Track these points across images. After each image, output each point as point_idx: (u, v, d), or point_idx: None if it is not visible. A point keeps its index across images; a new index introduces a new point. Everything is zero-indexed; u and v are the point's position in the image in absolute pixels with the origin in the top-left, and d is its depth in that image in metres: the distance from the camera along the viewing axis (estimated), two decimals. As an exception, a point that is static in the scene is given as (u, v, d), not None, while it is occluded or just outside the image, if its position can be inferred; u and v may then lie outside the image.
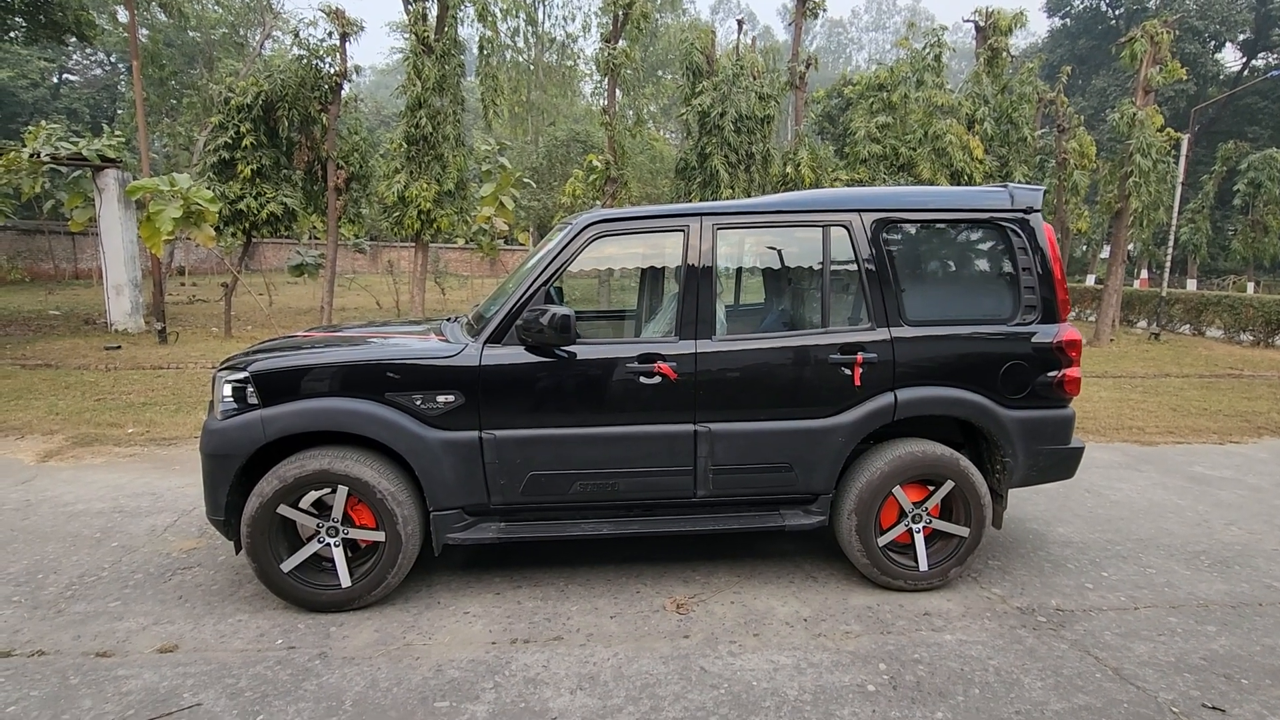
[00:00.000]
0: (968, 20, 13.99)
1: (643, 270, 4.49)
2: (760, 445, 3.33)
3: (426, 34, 11.94)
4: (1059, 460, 3.57)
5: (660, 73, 34.33)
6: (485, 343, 3.22)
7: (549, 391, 3.25)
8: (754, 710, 2.56)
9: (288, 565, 3.13)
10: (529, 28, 32.27)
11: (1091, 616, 3.27)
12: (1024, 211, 3.49)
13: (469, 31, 17.12)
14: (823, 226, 3.42)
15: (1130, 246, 15.52)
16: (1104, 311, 13.67)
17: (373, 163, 13.96)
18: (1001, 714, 2.55)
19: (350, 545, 3.25)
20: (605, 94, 13.74)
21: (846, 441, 3.36)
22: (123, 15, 22.83)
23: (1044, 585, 3.58)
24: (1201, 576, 3.71)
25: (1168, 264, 15.87)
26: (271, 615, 3.17)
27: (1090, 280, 22.88)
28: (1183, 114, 26.53)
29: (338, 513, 3.15)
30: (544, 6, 33.23)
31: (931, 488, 3.45)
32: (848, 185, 12.73)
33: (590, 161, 13.60)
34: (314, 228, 20.30)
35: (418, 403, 3.16)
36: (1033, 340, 3.43)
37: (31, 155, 10.78)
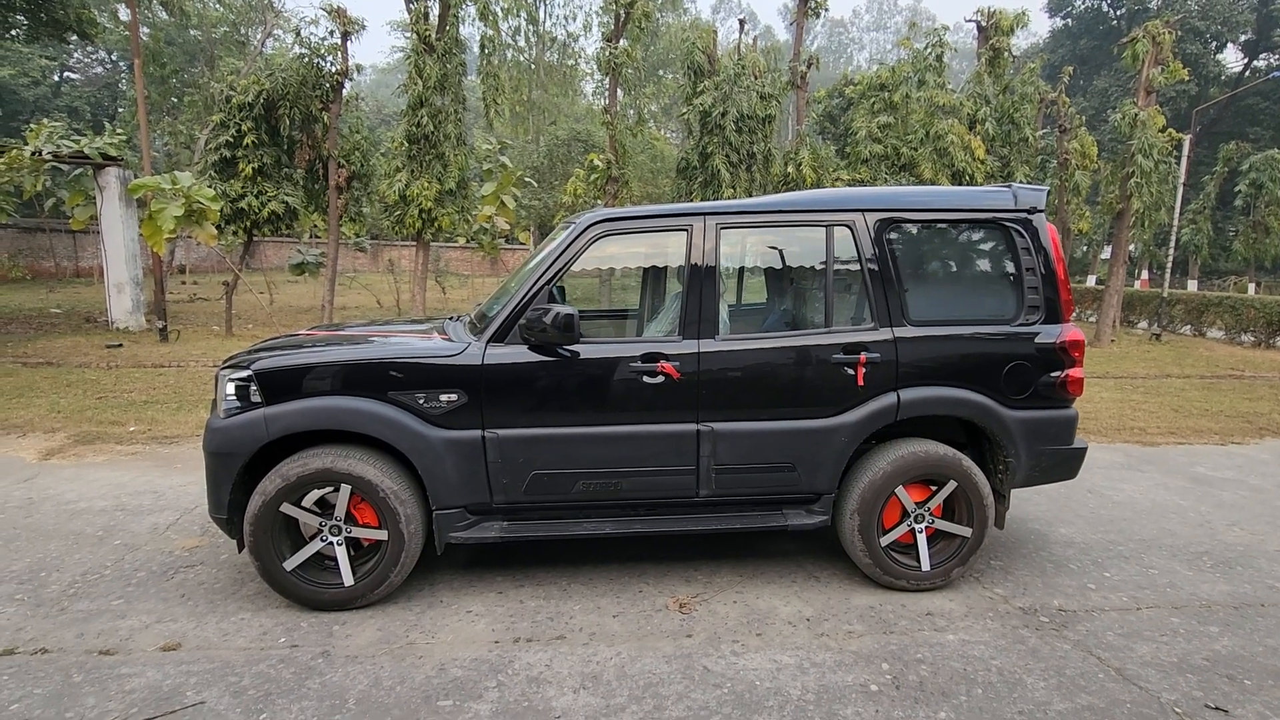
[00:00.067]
0: (969, 20, 13.98)
1: (645, 270, 4.48)
2: (763, 445, 3.33)
3: (428, 33, 11.94)
4: (1062, 461, 3.57)
5: (661, 72, 34.31)
6: (488, 342, 3.22)
7: (552, 391, 3.25)
8: (757, 710, 2.56)
9: (290, 564, 3.14)
10: (530, 27, 32.24)
11: (1094, 617, 3.27)
12: (1027, 212, 3.49)
13: (470, 30, 17.13)
14: (826, 226, 3.42)
15: (1131, 247, 15.51)
16: (1105, 312, 13.67)
17: (374, 161, 13.97)
18: (1005, 714, 2.55)
19: (353, 544, 3.25)
20: (606, 93, 13.75)
21: (849, 441, 3.36)
22: (124, 13, 22.85)
23: (1046, 585, 3.58)
24: (1204, 577, 3.71)
25: (1169, 265, 15.87)
26: (274, 614, 3.17)
27: (1091, 281, 22.86)
28: (1184, 115, 26.53)
29: (340, 511, 3.15)
30: (545, 6, 33.20)
31: (934, 488, 3.45)
32: (849, 185, 12.73)
33: (591, 161, 13.60)
34: (315, 226, 20.31)
35: (421, 401, 3.16)
36: (1036, 340, 3.43)
37: (33, 153, 10.78)
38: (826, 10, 13.65)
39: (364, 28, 12.67)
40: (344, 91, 12.69)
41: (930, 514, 3.45)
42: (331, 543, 3.18)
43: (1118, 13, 35.64)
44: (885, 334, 3.36)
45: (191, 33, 25.66)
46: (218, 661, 2.80)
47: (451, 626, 3.10)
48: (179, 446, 5.76)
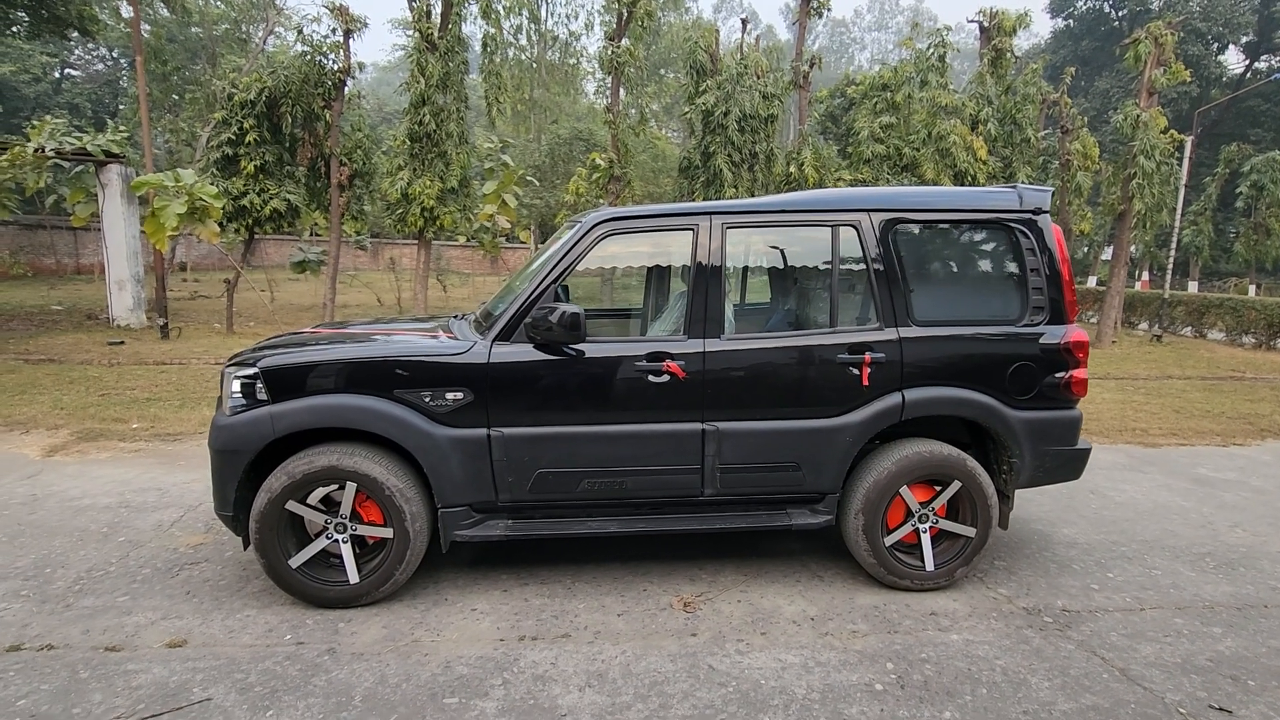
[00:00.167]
0: (972, 21, 13.98)
1: (649, 269, 4.49)
2: (768, 444, 3.34)
3: (430, 31, 11.94)
4: (1066, 461, 3.58)
5: (663, 71, 34.31)
6: (494, 340, 3.23)
7: (557, 389, 3.25)
8: (762, 708, 2.56)
9: (296, 561, 3.14)
10: (531, 25, 32.25)
11: (1098, 617, 3.28)
12: (1032, 212, 3.49)
13: (471, 29, 17.12)
14: (832, 226, 3.42)
15: (1132, 248, 15.51)
16: (1106, 313, 13.68)
17: (375, 160, 13.97)
18: (1009, 714, 2.56)
19: (358, 541, 3.25)
20: (608, 92, 13.75)
21: (854, 441, 3.37)
22: (126, 10, 22.83)
23: (1050, 586, 3.58)
24: (1207, 578, 3.71)
25: (1170, 266, 15.87)
26: (279, 611, 3.18)
27: (1092, 282, 22.87)
28: (1185, 116, 26.52)
29: (346, 509, 3.16)
30: (547, 4, 33.21)
31: (938, 488, 3.46)
32: (851, 185, 12.73)
33: (593, 160, 13.59)
34: (315, 225, 20.31)
35: (426, 400, 3.16)
36: (1040, 341, 3.44)
37: (36, 150, 10.78)
38: (829, 10, 13.66)
39: (366, 26, 12.66)
40: (346, 89, 12.69)
41: (934, 514, 3.46)
42: (337, 540, 3.19)
43: (1119, 14, 35.64)
44: (890, 334, 3.37)
45: (193, 30, 25.63)
46: (224, 658, 2.81)
47: (456, 624, 3.10)
48: (182, 444, 5.77)
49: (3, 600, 3.22)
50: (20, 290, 17.05)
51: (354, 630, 3.03)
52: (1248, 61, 35.36)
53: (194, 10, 23.67)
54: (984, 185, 11.98)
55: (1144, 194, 12.80)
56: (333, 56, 12.48)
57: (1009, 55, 13.53)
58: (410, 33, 12.37)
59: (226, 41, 25.51)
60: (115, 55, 32.41)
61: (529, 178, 17.65)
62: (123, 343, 10.42)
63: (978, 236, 3.59)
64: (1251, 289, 23.62)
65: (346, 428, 3.15)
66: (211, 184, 10.67)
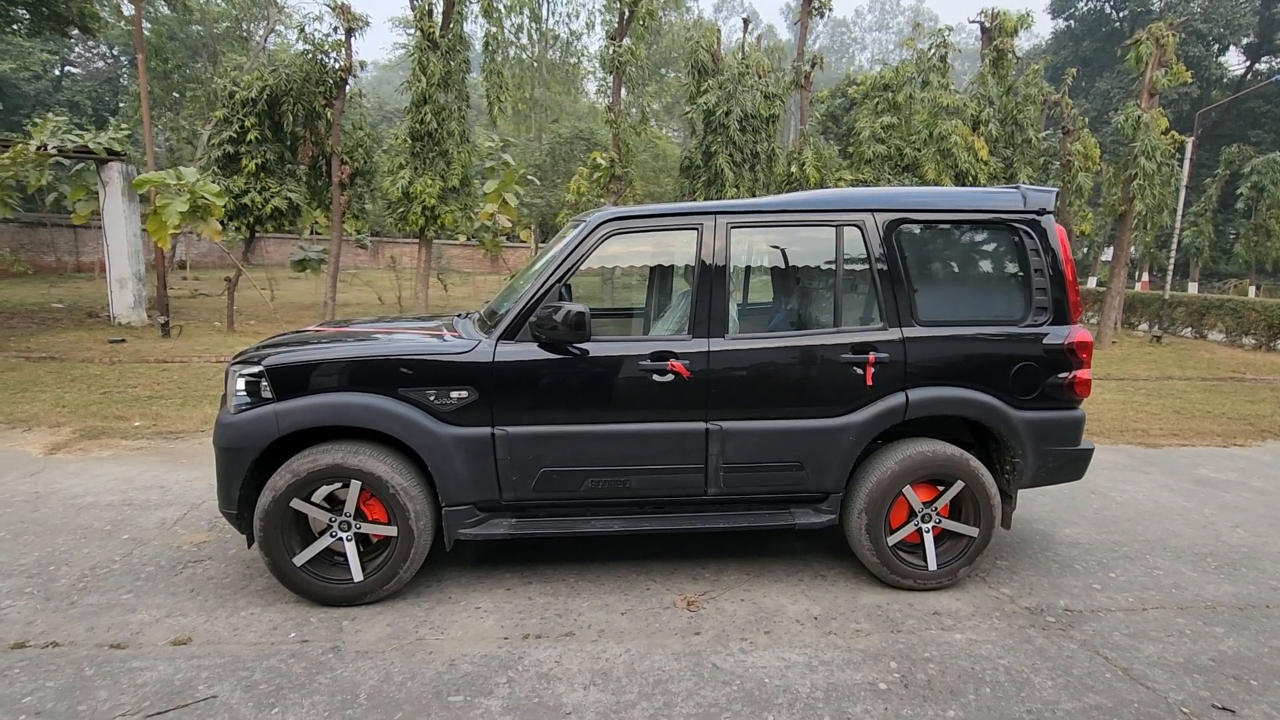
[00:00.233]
0: (973, 21, 13.99)
1: (653, 268, 4.50)
2: (771, 444, 3.34)
3: (432, 30, 11.94)
4: (1069, 461, 3.58)
5: (663, 71, 34.30)
6: (499, 339, 3.23)
7: (562, 388, 3.25)
8: (767, 707, 2.57)
9: (300, 559, 3.14)
10: (533, 24, 32.24)
11: (1100, 617, 3.29)
12: (1036, 213, 3.50)
13: (472, 27, 17.12)
14: (836, 226, 3.43)
15: (1132, 249, 15.52)
16: (1106, 314, 13.69)
17: (377, 158, 13.97)
18: (1013, 713, 2.57)
19: (362, 540, 3.26)
20: (609, 91, 13.75)
21: (857, 441, 3.37)
22: (126, 8, 22.81)
23: (1052, 586, 3.59)
24: (1209, 578, 3.72)
25: (1170, 267, 15.88)
26: (283, 609, 3.18)
27: (1092, 283, 22.90)
28: (1186, 117, 26.53)
29: (350, 507, 3.16)
30: (548, 3, 33.19)
31: (941, 488, 3.46)
32: (852, 185, 12.73)
33: (594, 159, 13.60)
34: (315, 223, 20.29)
35: (431, 398, 3.17)
36: (1044, 342, 3.44)
37: (39, 148, 10.77)
38: (830, 10, 13.66)
39: (368, 24, 12.67)
40: (347, 88, 12.69)
41: (937, 514, 3.47)
42: (341, 538, 3.19)
43: (1120, 15, 35.64)
44: (894, 334, 3.37)
45: (193, 28, 25.62)
46: (228, 656, 2.81)
47: (461, 623, 3.11)
48: (184, 442, 5.77)
49: (7, 598, 3.22)
50: (21, 288, 17.05)
51: (358, 628, 3.04)
52: (1248, 63, 35.37)
53: (195, 8, 23.66)
54: (985, 186, 12.00)
55: (1145, 195, 12.82)
56: (334, 55, 12.50)
57: (1010, 56, 13.53)
58: (411, 31, 12.35)
59: (227, 39, 25.51)
60: (116, 53, 32.38)
61: (530, 177, 17.65)
62: (124, 340, 10.42)
63: (982, 237, 3.60)
64: (1251, 290, 23.65)
65: (351, 426, 3.15)
66: (213, 182, 10.67)
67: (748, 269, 4.53)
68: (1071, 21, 37.90)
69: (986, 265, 3.67)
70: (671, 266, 4.33)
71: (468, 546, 3.82)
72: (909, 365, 3.37)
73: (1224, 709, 2.62)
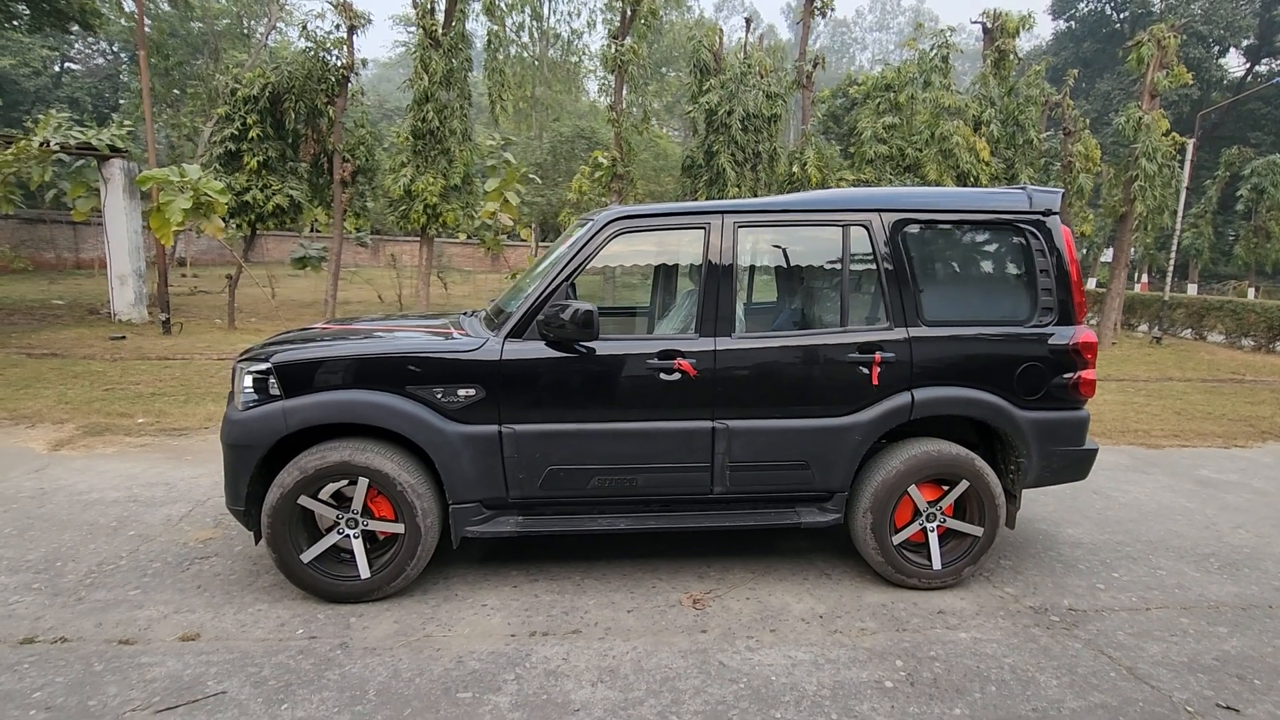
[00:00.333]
0: (975, 22, 14.01)
1: (658, 267, 4.50)
2: (777, 442, 3.36)
3: (434, 28, 11.94)
4: (1073, 462, 3.60)
5: (664, 70, 34.29)
6: (506, 337, 3.24)
7: (569, 386, 3.26)
8: (774, 704, 2.58)
9: (308, 556, 3.15)
10: (534, 23, 32.22)
11: (1104, 616, 3.30)
12: (1041, 213, 3.51)
13: (474, 26, 17.10)
14: (843, 226, 3.44)
15: (1131, 250, 15.55)
16: (1106, 315, 13.72)
17: (378, 156, 13.96)
18: (1019, 711, 2.58)
19: (369, 537, 3.27)
20: (611, 90, 13.76)
21: (863, 440, 3.38)
22: (127, 4, 22.77)
23: (1056, 585, 3.60)
24: (1211, 579, 3.74)
25: (1170, 268, 15.92)
26: (291, 605, 3.19)
27: (1092, 284, 22.93)
28: (1186, 119, 26.54)
29: (358, 505, 3.17)
30: (549, 2, 33.17)
31: (946, 487, 3.48)
32: (854, 185, 12.74)
33: (596, 158, 13.60)
34: (315, 221, 20.28)
35: (438, 396, 3.17)
36: (1049, 342, 3.46)
37: (42, 144, 10.76)
38: (833, 10, 13.67)
39: (370, 22, 12.66)
40: (349, 85, 12.68)
41: (942, 513, 3.48)
42: (348, 535, 3.20)
43: (1121, 16, 35.67)
44: (900, 334, 3.39)
45: (194, 25, 25.58)
46: (237, 652, 2.82)
47: (468, 620, 3.12)
48: (188, 439, 5.77)
49: (15, 593, 3.23)
50: (21, 285, 17.03)
51: (365, 625, 3.05)
52: (1248, 65, 35.41)
53: (196, 5, 23.63)
54: (987, 186, 12.02)
55: (1146, 196, 12.84)
56: (336, 52, 12.48)
57: (1012, 57, 13.54)
58: (413, 29, 12.35)
59: (228, 36, 25.48)
60: (116, 49, 32.31)
61: (531, 175, 17.64)
62: (124, 338, 10.42)
63: (987, 237, 3.61)
64: (1251, 292, 23.68)
65: (359, 423, 3.16)
66: (215, 179, 10.66)
67: (754, 268, 4.54)
68: (1072, 23, 37.92)
69: (992, 266, 3.68)
70: (678, 265, 4.34)
71: (474, 544, 3.83)
72: (915, 365, 3.38)
73: (1228, 708, 2.64)
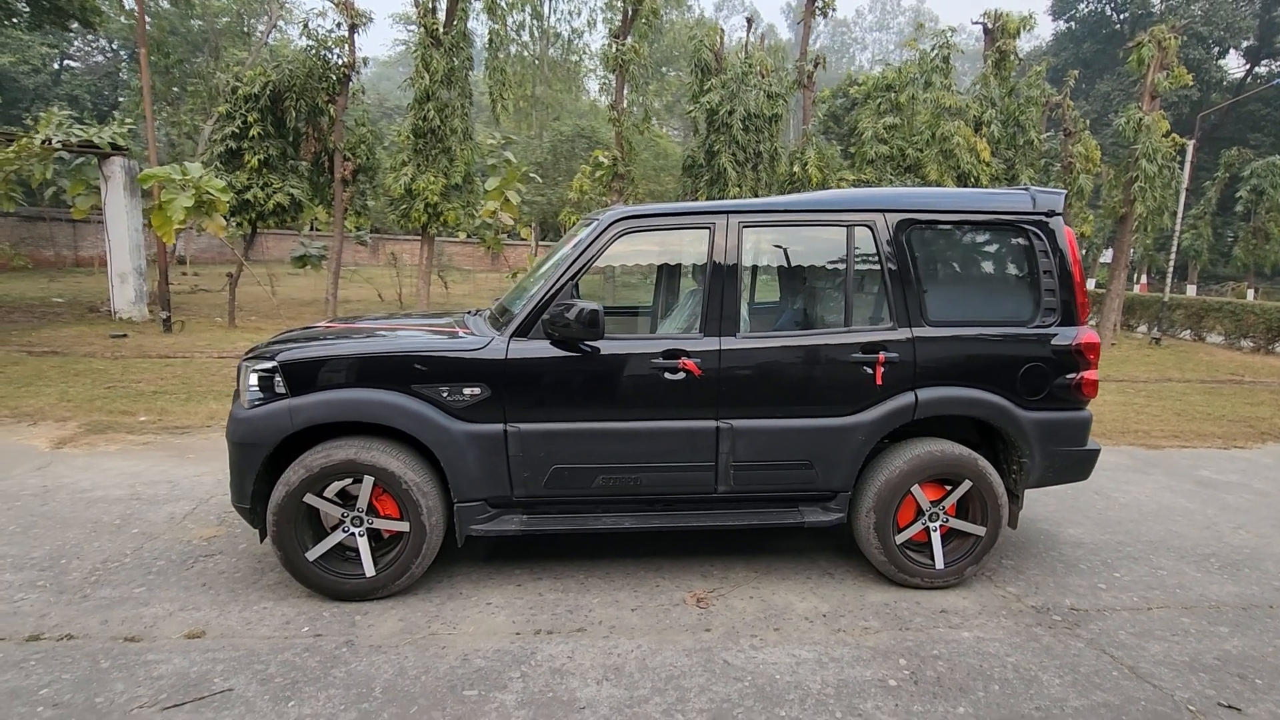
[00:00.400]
0: (976, 22, 14.02)
1: (661, 267, 4.51)
2: (781, 442, 3.37)
3: (435, 27, 11.94)
4: (1075, 462, 3.61)
5: (664, 69, 34.29)
6: (511, 336, 3.24)
7: (574, 385, 3.27)
8: (778, 703, 2.59)
9: (313, 554, 3.16)
10: (534, 22, 32.22)
11: (1106, 616, 3.32)
12: (1045, 214, 3.52)
13: (475, 24, 17.10)
14: (847, 226, 3.45)
15: (1130, 251, 15.58)
16: (1105, 316, 13.74)
17: (378, 155, 13.96)
18: (1022, 710, 2.59)
19: (374, 535, 3.27)
20: (611, 90, 13.76)
21: (866, 440, 3.39)
22: (127, 2, 22.74)
23: (1058, 585, 3.62)
24: (1212, 579, 3.75)
25: (1170, 269, 15.95)
26: (296, 603, 3.20)
27: (1091, 284, 22.96)
28: (1185, 120, 26.58)
29: (363, 503, 3.18)
30: (549, 1, 33.16)
31: (949, 487, 3.49)
32: (854, 185, 12.76)
33: (597, 157, 13.61)
34: (315, 219, 20.27)
35: (444, 395, 3.18)
36: (1052, 342, 3.47)
37: (43, 141, 10.75)
38: (834, 10, 13.68)
39: (371, 20, 12.66)
40: (350, 84, 12.68)
41: (945, 513, 3.49)
42: (353, 533, 3.21)
43: (1121, 17, 35.70)
44: (904, 334, 3.40)
45: (194, 23, 25.56)
46: (243, 649, 2.83)
47: (473, 618, 3.13)
48: (190, 437, 5.78)
49: (20, 590, 3.24)
50: (21, 282, 17.02)
51: (371, 623, 3.06)
52: (1248, 66, 35.47)
53: (196, 3, 23.61)
54: (987, 187, 12.03)
55: (1146, 197, 12.87)
56: (337, 51, 12.48)
57: (1013, 57, 13.56)
58: (412, 28, 12.37)
59: (229, 34, 25.45)
60: (115, 47, 32.27)
61: (531, 175, 17.64)
62: (125, 335, 10.42)
63: (990, 238, 3.62)
64: (1250, 293, 23.73)
65: (364, 422, 3.16)
66: (216, 178, 10.66)
67: (758, 268, 4.56)
68: (1072, 23, 37.96)
69: (995, 266, 3.69)
70: (682, 265, 4.35)
71: (479, 543, 3.84)
72: (918, 365, 3.39)
73: (1230, 707, 2.65)
